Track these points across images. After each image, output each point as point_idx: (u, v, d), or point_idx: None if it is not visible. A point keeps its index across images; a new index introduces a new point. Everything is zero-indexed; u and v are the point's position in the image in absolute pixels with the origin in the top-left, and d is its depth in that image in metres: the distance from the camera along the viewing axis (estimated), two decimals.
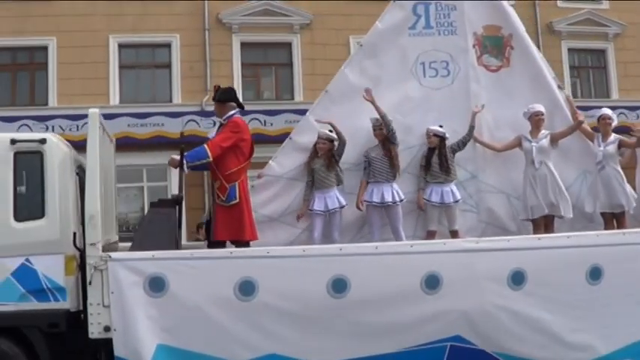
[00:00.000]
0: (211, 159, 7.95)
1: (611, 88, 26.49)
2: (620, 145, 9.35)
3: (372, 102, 8.72)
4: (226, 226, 8.07)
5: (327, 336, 7.36)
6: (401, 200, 8.82)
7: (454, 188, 8.99)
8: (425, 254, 7.72)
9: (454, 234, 8.96)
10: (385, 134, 8.83)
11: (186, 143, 8.08)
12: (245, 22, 22.29)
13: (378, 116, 8.79)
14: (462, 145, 9.10)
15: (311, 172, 8.82)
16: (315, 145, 8.85)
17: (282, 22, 22.90)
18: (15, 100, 21.31)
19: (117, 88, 21.27)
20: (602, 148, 9.32)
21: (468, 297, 7.63)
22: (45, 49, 21.18)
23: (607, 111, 9.57)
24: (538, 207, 9.02)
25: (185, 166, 7.89)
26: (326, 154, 8.79)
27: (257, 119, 20.42)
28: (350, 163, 9.01)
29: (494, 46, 9.55)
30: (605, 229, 9.22)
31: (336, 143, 8.84)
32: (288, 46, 22.95)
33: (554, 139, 9.22)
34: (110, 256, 7.06)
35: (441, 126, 9.10)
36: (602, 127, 9.50)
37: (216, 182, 8.18)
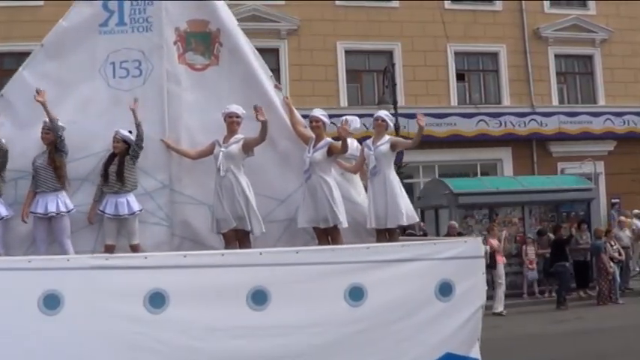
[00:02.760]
0: None
1: (598, 94, 26.34)
2: (330, 151, 8.18)
3: (44, 104, 7.99)
4: None
5: None
6: (68, 211, 8.09)
7: (131, 199, 8.16)
8: (44, 271, 7.00)
9: (134, 248, 8.16)
10: (53, 140, 8.16)
11: None
12: None
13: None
14: (138, 148, 8.22)
15: None
16: None
17: (270, 28, 22.71)
18: None
19: None
20: (309, 155, 8.22)
21: (95, 321, 6.86)
22: None
23: (317, 112, 8.44)
24: (225, 220, 8.10)
25: None
26: None
27: None
28: (23, 171, 8.26)
29: (201, 42, 8.68)
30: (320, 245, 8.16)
31: None
32: (275, 52, 22.64)
33: (248, 145, 8.21)
34: None
35: (130, 132, 8.32)
36: (313, 130, 8.39)
37: None
